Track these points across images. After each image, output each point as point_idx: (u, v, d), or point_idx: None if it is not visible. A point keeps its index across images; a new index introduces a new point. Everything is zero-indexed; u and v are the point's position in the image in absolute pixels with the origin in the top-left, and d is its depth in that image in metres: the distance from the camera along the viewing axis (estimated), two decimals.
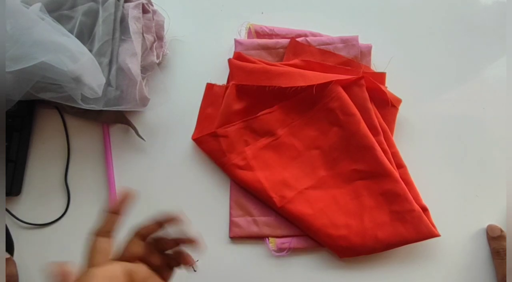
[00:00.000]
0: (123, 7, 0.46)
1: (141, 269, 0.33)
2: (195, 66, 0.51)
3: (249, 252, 0.46)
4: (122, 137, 0.49)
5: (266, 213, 0.46)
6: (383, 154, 0.44)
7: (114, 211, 0.33)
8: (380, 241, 0.43)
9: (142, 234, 0.35)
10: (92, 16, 0.45)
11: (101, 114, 0.47)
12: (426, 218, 0.43)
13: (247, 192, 0.46)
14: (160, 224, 0.35)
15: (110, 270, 0.31)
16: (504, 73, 0.50)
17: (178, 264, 0.36)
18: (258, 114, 0.47)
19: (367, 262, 0.45)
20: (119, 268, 0.32)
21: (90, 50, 0.44)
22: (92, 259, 0.31)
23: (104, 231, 0.33)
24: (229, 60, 0.49)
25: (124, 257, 0.34)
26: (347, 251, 0.43)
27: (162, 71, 0.50)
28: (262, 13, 0.53)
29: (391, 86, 0.48)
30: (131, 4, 0.46)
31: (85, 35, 0.45)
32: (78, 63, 0.41)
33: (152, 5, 0.48)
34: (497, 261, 0.44)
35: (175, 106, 0.49)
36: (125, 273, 0.32)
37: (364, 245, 0.43)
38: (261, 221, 0.45)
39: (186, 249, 0.36)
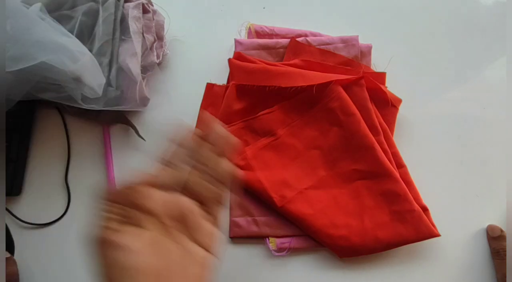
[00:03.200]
0: (123, 7, 0.46)
1: (193, 206, 0.31)
2: (195, 66, 0.51)
3: (249, 252, 0.46)
4: (122, 137, 0.49)
5: (266, 213, 0.46)
6: (383, 154, 0.44)
7: (181, 143, 0.32)
8: (380, 241, 0.43)
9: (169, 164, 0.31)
10: (92, 16, 0.45)
11: (101, 114, 0.47)
12: (426, 218, 0.43)
13: (247, 192, 0.46)
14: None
15: (165, 196, 0.29)
16: (504, 73, 0.50)
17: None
18: (258, 114, 0.47)
19: (367, 262, 0.45)
20: (173, 197, 0.30)
21: (90, 50, 0.44)
22: (153, 181, 0.29)
23: (168, 160, 0.31)
24: (229, 60, 0.49)
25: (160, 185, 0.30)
26: (347, 251, 0.43)
27: (162, 71, 0.50)
28: (264, 8, 0.53)
29: (391, 86, 0.48)
30: (131, 4, 0.46)
31: (85, 35, 0.45)
32: (78, 63, 0.41)
33: (152, 5, 0.48)
34: (497, 261, 0.44)
35: (175, 106, 0.49)
36: (178, 205, 0.30)
37: (364, 245, 0.43)
38: (261, 221, 0.45)
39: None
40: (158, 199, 0.29)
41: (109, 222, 0.27)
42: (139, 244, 0.27)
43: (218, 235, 0.33)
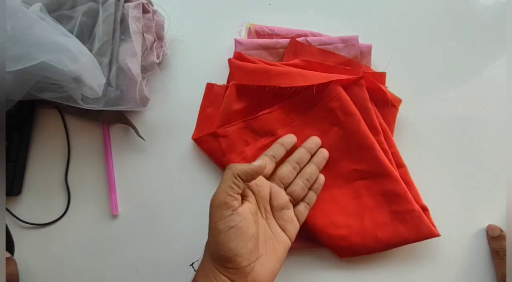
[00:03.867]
0: (123, 7, 0.46)
1: (284, 196, 0.41)
2: (195, 66, 0.51)
3: None
4: (122, 137, 0.49)
5: None
6: (383, 154, 0.44)
7: (283, 143, 0.43)
8: (380, 241, 0.43)
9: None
10: (92, 16, 0.45)
11: (101, 114, 0.47)
12: (426, 218, 0.43)
13: None
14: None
15: (264, 181, 0.41)
16: (504, 73, 0.50)
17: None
18: (258, 114, 0.47)
19: (367, 262, 0.45)
20: (269, 183, 0.41)
21: (90, 50, 0.44)
22: (262, 169, 0.37)
23: (271, 154, 0.42)
24: (229, 60, 0.49)
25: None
26: (347, 251, 0.44)
27: (162, 71, 0.50)
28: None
29: (391, 86, 0.48)
30: (131, 4, 0.46)
31: (85, 35, 0.45)
32: (78, 63, 0.41)
33: (152, 5, 0.48)
34: (497, 261, 0.44)
35: (175, 106, 0.49)
36: (271, 192, 0.40)
37: (364, 245, 0.43)
38: None
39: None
40: (266, 186, 0.40)
41: (230, 190, 0.35)
42: (244, 210, 0.36)
43: (297, 228, 0.41)
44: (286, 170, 0.42)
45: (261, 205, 0.39)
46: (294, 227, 0.40)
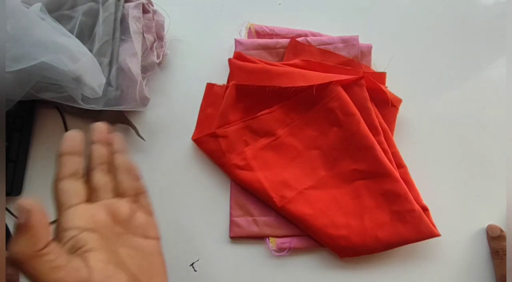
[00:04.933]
0: (123, 7, 0.46)
1: (123, 203, 0.31)
2: (195, 66, 0.51)
3: (249, 252, 0.46)
4: (122, 137, 0.49)
5: (266, 213, 0.46)
6: (383, 154, 0.44)
7: (71, 152, 0.28)
8: (380, 241, 0.43)
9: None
10: (93, 16, 0.45)
11: (101, 114, 0.47)
12: (426, 218, 0.43)
13: (247, 192, 0.46)
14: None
15: (90, 209, 0.28)
16: (504, 73, 0.50)
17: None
18: (258, 115, 0.47)
19: (367, 262, 0.45)
20: (98, 206, 0.28)
21: (90, 50, 0.44)
22: (65, 203, 0.27)
23: (69, 173, 0.28)
24: (229, 60, 0.49)
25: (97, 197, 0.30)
26: (347, 251, 0.44)
27: (162, 71, 0.50)
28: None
29: (391, 86, 0.48)
30: (131, 4, 0.46)
31: (86, 35, 0.45)
32: (79, 63, 0.41)
33: (152, 5, 0.48)
34: (496, 261, 0.44)
35: (175, 106, 0.49)
36: (107, 211, 0.29)
37: (364, 245, 0.43)
38: (261, 221, 0.45)
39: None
40: (85, 214, 0.28)
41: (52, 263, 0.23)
42: (99, 274, 0.25)
43: (155, 220, 0.33)
44: (100, 178, 0.31)
45: (106, 235, 0.28)
46: (151, 226, 0.33)
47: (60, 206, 0.27)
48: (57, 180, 0.28)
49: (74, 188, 0.28)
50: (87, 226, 0.27)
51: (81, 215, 0.27)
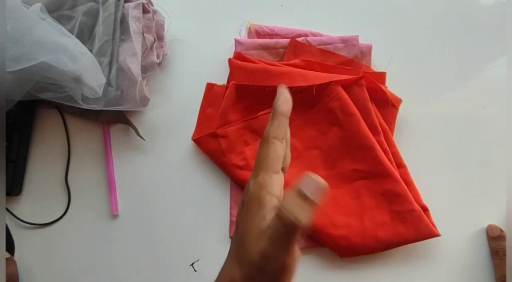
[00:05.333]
0: (123, 7, 0.46)
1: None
2: (195, 66, 0.51)
3: None
4: (122, 137, 0.49)
5: None
6: (383, 154, 0.44)
7: (285, 114, 0.30)
8: (380, 241, 0.43)
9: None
10: (93, 16, 0.45)
11: (101, 114, 0.47)
12: (426, 218, 0.43)
13: None
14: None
15: (281, 179, 0.29)
16: (504, 73, 0.50)
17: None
18: (258, 114, 0.47)
19: (367, 262, 0.45)
20: (282, 178, 0.30)
21: (91, 50, 0.44)
22: (272, 166, 0.28)
23: (282, 137, 0.29)
24: (229, 60, 0.49)
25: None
26: (347, 251, 0.44)
27: (162, 71, 0.50)
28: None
29: (391, 86, 0.48)
30: (131, 4, 0.46)
31: (86, 35, 0.45)
32: (79, 63, 0.41)
33: (152, 5, 0.48)
34: (496, 261, 0.44)
35: (175, 106, 0.49)
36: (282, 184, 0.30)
37: (364, 245, 0.43)
38: None
39: None
40: (280, 184, 0.29)
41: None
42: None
43: None
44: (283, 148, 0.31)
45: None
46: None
47: (266, 167, 0.27)
48: (273, 138, 0.28)
49: (282, 154, 0.28)
50: (279, 198, 0.28)
51: (279, 185, 0.28)
